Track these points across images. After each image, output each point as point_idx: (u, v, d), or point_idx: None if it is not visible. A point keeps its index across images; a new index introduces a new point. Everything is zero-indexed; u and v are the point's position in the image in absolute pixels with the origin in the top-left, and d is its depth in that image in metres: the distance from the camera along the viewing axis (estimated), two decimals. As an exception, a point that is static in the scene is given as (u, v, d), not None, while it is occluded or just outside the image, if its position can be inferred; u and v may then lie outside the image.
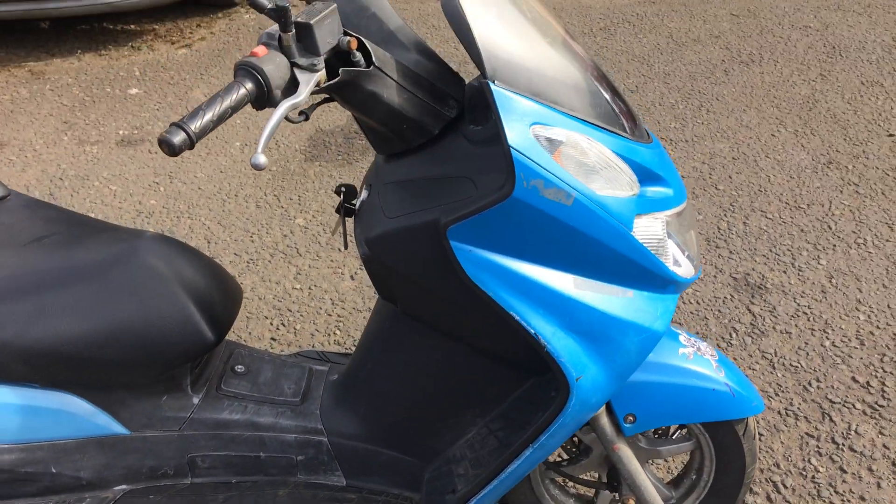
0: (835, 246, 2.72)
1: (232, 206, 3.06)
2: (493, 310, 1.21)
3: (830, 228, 2.82)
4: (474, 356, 1.39)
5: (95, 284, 1.37)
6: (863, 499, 1.86)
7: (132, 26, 4.82)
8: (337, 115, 3.76)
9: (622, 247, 1.21)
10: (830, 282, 2.56)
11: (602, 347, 1.26)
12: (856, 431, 2.03)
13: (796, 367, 2.24)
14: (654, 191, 1.27)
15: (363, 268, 2.66)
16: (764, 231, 2.82)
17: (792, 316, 2.42)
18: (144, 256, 1.41)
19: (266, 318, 2.47)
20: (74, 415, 1.39)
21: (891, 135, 3.38)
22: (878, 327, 2.36)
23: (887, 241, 2.73)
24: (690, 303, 2.49)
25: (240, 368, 1.58)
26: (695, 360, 1.48)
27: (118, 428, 1.42)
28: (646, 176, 1.26)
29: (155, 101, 3.91)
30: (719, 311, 2.46)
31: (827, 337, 2.34)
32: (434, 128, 1.26)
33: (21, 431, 1.36)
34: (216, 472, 1.48)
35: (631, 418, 1.45)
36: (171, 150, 1.00)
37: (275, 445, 1.50)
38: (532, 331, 1.20)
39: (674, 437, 1.62)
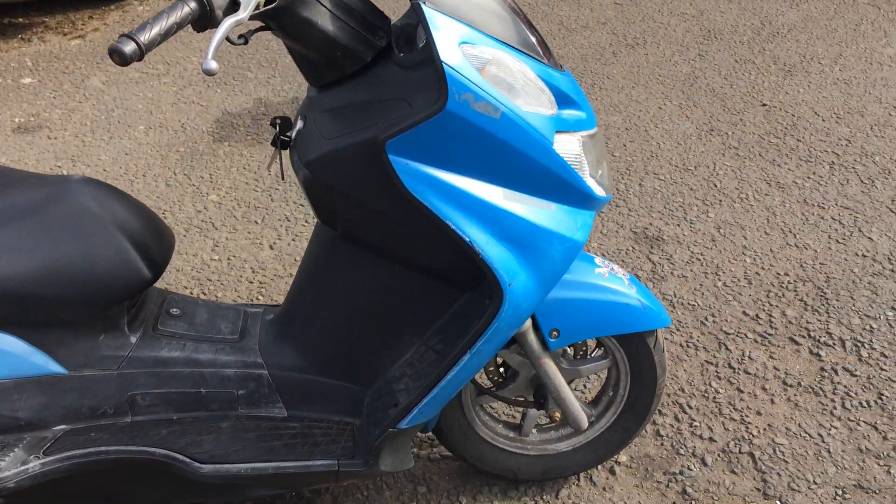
0: (721, 201, 2.95)
1: (140, 185, 3.03)
2: (431, 221, 1.30)
3: (716, 186, 3.05)
4: (412, 276, 1.47)
5: (30, 224, 1.37)
6: (759, 413, 2.05)
7: (20, 19, 4.66)
8: (243, 99, 3.77)
9: (545, 159, 1.32)
10: (719, 231, 2.78)
11: (531, 255, 1.36)
12: (749, 357, 2.23)
13: (693, 305, 2.43)
14: (569, 113, 1.39)
15: (281, 239, 2.69)
16: (658, 191, 3.02)
17: (687, 262, 2.62)
18: (77, 197, 1.43)
19: (185, 288, 2.47)
20: (11, 354, 1.38)
21: (763, 105, 3.68)
22: (762, 268, 2.58)
23: (766, 195, 2.98)
24: (596, 254, 2.64)
25: (175, 311, 1.61)
26: (610, 278, 1.61)
27: (56, 367, 1.42)
28: (561, 99, 1.38)
29: (50, 89, 3.80)
30: (623, 261, 2.63)
31: (719, 279, 2.54)
32: (366, 55, 1.34)
33: (-43, 371, 1.34)
34: (157, 409, 1.50)
35: (555, 333, 1.56)
36: (121, 59, 1.04)
37: (215, 381, 1.53)
38: (467, 239, 1.30)
39: (591, 357, 1.75)
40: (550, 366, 1.59)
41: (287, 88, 3.88)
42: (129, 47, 1.04)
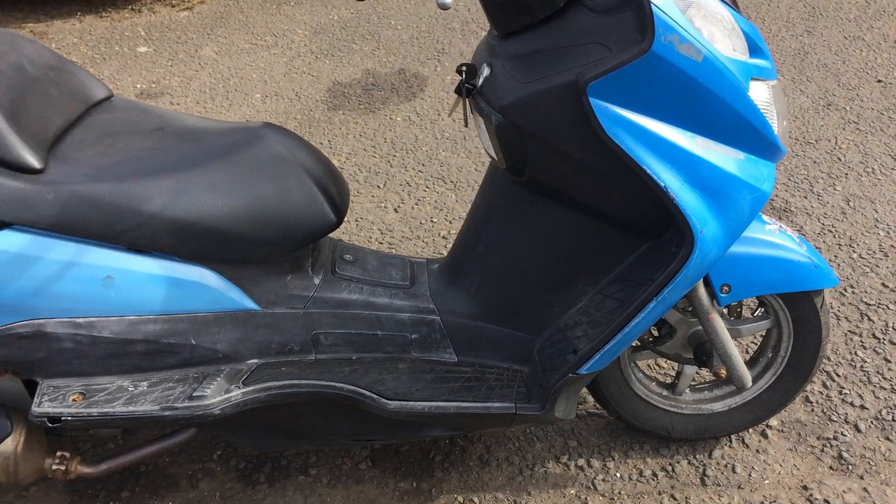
0: (846, 174, 2.89)
1: (263, 150, 3.10)
2: (626, 167, 1.30)
3: (840, 160, 2.98)
4: (593, 224, 1.47)
5: (229, 166, 1.42)
6: (908, 383, 2.01)
7: (125, -9, 4.80)
8: (352, 70, 3.81)
9: (741, 106, 1.31)
10: (848, 204, 2.72)
11: (721, 203, 1.35)
12: (893, 328, 2.18)
13: (829, 276, 2.38)
14: (756, 61, 1.38)
15: (404, 203, 2.72)
16: (780, 163, 2.97)
17: (819, 234, 2.57)
18: (268, 142, 1.47)
19: (318, 247, 2.52)
20: (212, 288, 1.43)
21: (879, 80, 3.57)
22: (897, 241, 2.52)
23: (892, 169, 2.90)
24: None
25: (348, 257, 1.65)
26: (780, 235, 1.59)
27: (250, 304, 1.47)
28: (751, 47, 1.37)
29: (167, 58, 3.91)
30: (750, 231, 2.59)
31: (853, 250, 2.49)
32: (559, 0, 1.34)
33: (166, 303, 1.40)
34: (338, 348, 1.54)
35: (726, 288, 1.55)
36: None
37: (391, 324, 1.56)
38: (662, 184, 1.29)
39: (753, 316, 1.74)
40: (718, 321, 1.57)
41: (392, 60, 3.91)
42: None
